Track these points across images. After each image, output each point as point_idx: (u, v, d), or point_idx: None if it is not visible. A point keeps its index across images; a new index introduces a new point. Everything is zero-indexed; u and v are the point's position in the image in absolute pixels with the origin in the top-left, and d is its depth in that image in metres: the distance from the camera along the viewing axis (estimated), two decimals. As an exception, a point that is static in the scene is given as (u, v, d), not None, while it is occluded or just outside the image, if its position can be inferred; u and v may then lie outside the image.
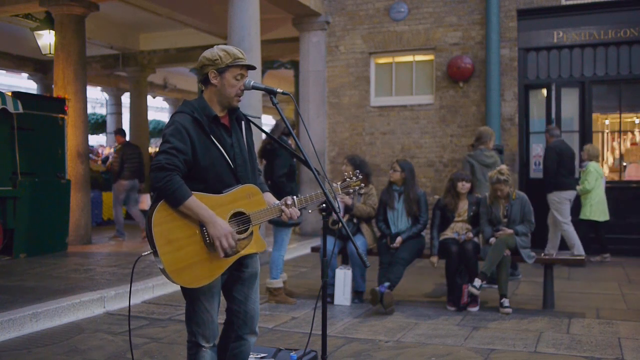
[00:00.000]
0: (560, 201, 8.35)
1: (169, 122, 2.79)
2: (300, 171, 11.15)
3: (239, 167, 2.85)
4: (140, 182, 10.87)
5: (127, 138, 11.55)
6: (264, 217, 2.86)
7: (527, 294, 6.78)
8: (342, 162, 6.60)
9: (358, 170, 3.32)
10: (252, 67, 2.89)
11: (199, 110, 2.79)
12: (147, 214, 2.67)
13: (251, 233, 2.83)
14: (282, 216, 2.89)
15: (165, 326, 5.37)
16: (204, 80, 2.86)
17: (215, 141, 2.78)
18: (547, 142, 8.89)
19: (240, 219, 2.79)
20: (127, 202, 10.86)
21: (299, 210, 2.96)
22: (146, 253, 2.69)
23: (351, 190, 3.21)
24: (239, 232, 2.78)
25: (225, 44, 9.01)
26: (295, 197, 2.94)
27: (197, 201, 2.66)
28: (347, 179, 3.24)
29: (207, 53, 2.85)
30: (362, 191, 3.24)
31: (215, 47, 2.88)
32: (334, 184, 3.17)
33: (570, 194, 8.38)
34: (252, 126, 3.06)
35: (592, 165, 8.68)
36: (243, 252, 2.82)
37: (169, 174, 2.62)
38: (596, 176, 8.60)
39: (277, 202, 2.92)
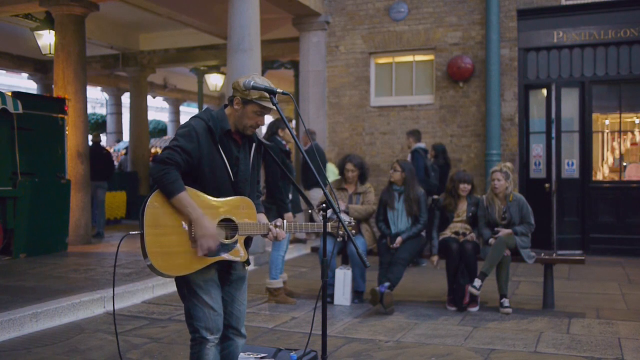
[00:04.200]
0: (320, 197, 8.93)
1: (184, 124, 2.91)
2: (299, 172, 11.15)
3: (239, 182, 2.94)
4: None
5: (127, 138, 11.63)
6: (250, 231, 2.94)
7: (527, 294, 6.78)
8: (343, 159, 6.59)
9: (352, 219, 3.25)
10: (274, 109, 2.92)
11: (215, 120, 2.90)
12: (145, 197, 2.80)
13: (236, 241, 2.91)
14: (268, 235, 2.98)
15: (165, 326, 5.37)
16: (230, 100, 2.95)
17: (222, 152, 2.87)
18: (304, 144, 9.62)
19: (229, 225, 2.88)
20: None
21: (287, 233, 3.06)
22: (134, 232, 2.81)
23: (340, 233, 2.98)
24: (225, 238, 2.87)
25: (226, 44, 9.03)
26: (285, 221, 3.03)
27: (188, 198, 2.76)
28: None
29: (243, 79, 2.89)
30: (353, 232, 3.08)
31: (252, 76, 2.91)
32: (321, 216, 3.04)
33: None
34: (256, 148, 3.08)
35: (328, 166, 9.92)
36: (223, 257, 2.89)
37: (166, 167, 2.74)
38: (333, 174, 9.26)
39: (265, 221, 3.01)
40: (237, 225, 2.89)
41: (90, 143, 10.94)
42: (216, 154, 2.86)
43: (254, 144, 3.04)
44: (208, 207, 2.82)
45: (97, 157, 11.09)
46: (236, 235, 2.89)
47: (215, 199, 2.85)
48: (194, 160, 2.81)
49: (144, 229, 2.73)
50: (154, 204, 2.76)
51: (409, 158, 8.74)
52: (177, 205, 2.75)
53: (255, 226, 2.95)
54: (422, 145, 8.89)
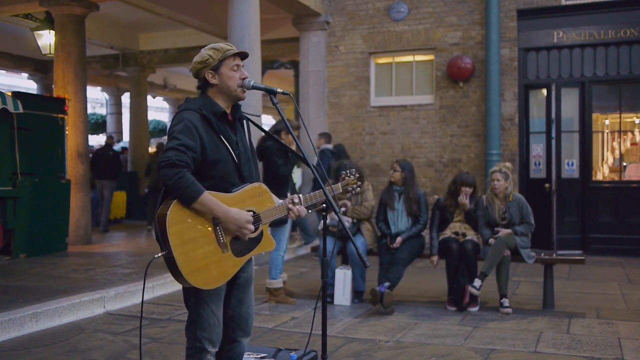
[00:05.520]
0: None
1: (176, 119, 2.73)
2: (303, 171, 11.15)
3: (243, 165, 2.84)
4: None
5: (127, 138, 11.81)
6: (273, 216, 2.85)
7: (527, 294, 6.78)
8: (337, 169, 6.56)
9: (354, 169, 3.42)
10: (245, 54, 2.87)
11: (205, 108, 2.77)
12: (158, 214, 2.58)
13: (262, 232, 2.82)
14: (289, 214, 2.89)
15: (165, 326, 5.37)
16: (204, 84, 2.85)
17: (224, 139, 2.77)
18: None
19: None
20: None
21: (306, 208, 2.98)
22: (159, 255, 2.59)
23: (350, 189, 3.28)
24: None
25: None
26: (301, 195, 2.95)
27: (210, 197, 2.61)
28: (345, 177, 3.33)
29: (197, 58, 2.85)
30: (358, 190, 3.32)
31: (202, 49, 2.88)
32: (335, 184, 3.24)
33: None
34: (252, 125, 3.06)
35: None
36: (254, 252, 2.82)
37: (180, 170, 2.55)
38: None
39: (282, 201, 2.92)
40: (260, 215, 2.79)
41: (102, 144, 11.23)
42: (219, 143, 2.74)
43: (244, 122, 2.95)
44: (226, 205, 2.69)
45: (106, 158, 12.01)
46: (260, 226, 2.79)
47: (230, 194, 2.72)
48: (199, 155, 2.66)
49: (173, 250, 2.51)
50: (174, 220, 2.55)
51: (315, 158, 8.85)
52: (200, 209, 2.58)
53: (275, 210, 2.85)
54: (329, 146, 9.88)
